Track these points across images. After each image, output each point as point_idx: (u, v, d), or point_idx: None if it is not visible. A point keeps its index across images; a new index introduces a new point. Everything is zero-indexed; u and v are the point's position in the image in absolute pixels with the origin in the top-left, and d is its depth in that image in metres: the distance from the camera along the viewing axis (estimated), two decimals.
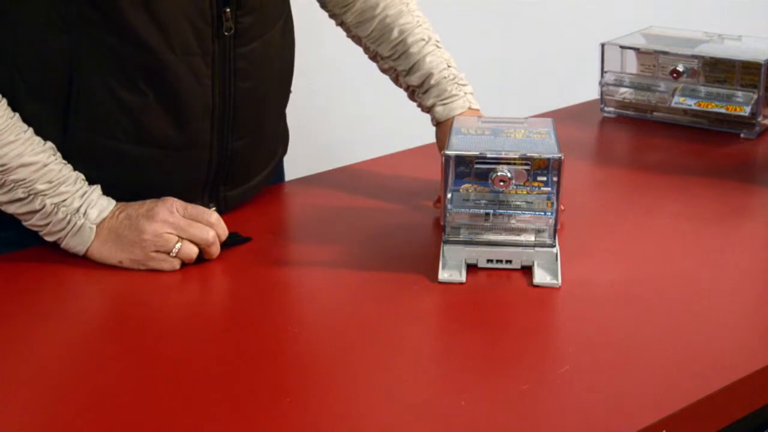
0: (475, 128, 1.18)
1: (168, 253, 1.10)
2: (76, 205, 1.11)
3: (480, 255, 1.11)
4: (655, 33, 1.69)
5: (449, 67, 1.31)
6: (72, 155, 1.13)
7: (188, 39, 1.13)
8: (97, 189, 1.13)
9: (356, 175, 1.40)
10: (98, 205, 1.12)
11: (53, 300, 1.08)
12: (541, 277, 1.09)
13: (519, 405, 0.88)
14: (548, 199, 1.10)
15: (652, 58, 1.60)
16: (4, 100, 1.10)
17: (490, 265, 1.11)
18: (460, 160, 1.10)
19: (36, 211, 1.10)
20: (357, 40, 1.36)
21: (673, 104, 1.57)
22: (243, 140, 1.22)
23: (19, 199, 1.10)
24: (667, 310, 1.03)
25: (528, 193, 1.11)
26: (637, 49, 1.62)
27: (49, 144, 1.12)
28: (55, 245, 1.13)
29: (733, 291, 1.08)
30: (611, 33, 1.68)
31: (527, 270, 1.10)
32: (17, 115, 1.10)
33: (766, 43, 1.60)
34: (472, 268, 1.11)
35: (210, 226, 1.13)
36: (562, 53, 2.45)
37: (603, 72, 1.63)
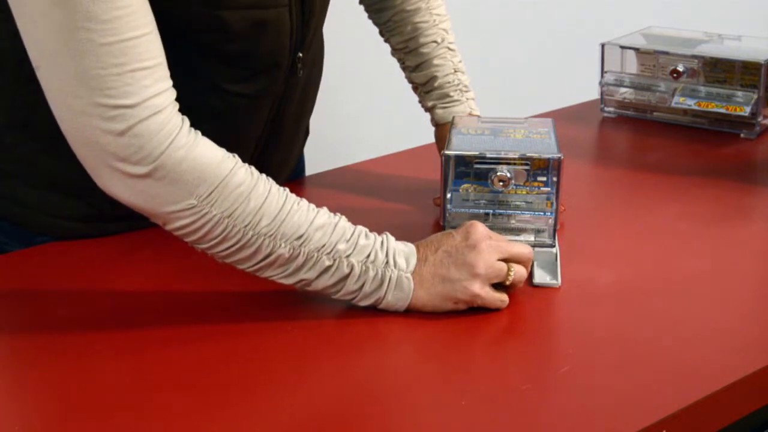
0: (474, 128, 1.18)
1: (503, 282, 1.01)
2: (381, 257, 0.99)
3: None
4: (655, 33, 1.69)
5: (456, 72, 1.31)
6: None
7: (263, 83, 1.13)
8: (388, 235, 1.02)
9: (356, 175, 1.40)
10: (401, 251, 1.01)
11: (50, 299, 1.08)
12: (541, 277, 1.09)
13: (519, 405, 0.88)
14: (548, 199, 1.10)
15: (652, 58, 1.60)
16: (270, 179, 1.00)
17: None
18: (460, 160, 1.10)
19: (346, 276, 0.99)
20: (374, 22, 1.36)
21: (673, 104, 1.57)
22: (278, 153, 1.24)
23: (327, 268, 0.98)
24: (667, 310, 1.03)
25: (528, 193, 1.11)
26: (637, 49, 1.62)
27: (324, 207, 1.01)
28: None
29: (733, 291, 1.08)
30: (611, 33, 1.68)
31: None
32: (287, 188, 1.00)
33: (766, 43, 1.60)
34: None
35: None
36: (562, 53, 2.45)
37: (603, 72, 1.63)
